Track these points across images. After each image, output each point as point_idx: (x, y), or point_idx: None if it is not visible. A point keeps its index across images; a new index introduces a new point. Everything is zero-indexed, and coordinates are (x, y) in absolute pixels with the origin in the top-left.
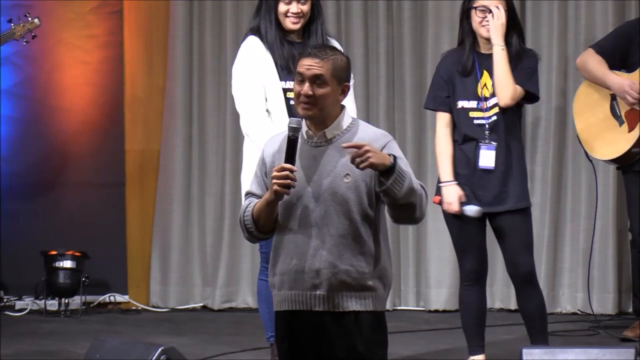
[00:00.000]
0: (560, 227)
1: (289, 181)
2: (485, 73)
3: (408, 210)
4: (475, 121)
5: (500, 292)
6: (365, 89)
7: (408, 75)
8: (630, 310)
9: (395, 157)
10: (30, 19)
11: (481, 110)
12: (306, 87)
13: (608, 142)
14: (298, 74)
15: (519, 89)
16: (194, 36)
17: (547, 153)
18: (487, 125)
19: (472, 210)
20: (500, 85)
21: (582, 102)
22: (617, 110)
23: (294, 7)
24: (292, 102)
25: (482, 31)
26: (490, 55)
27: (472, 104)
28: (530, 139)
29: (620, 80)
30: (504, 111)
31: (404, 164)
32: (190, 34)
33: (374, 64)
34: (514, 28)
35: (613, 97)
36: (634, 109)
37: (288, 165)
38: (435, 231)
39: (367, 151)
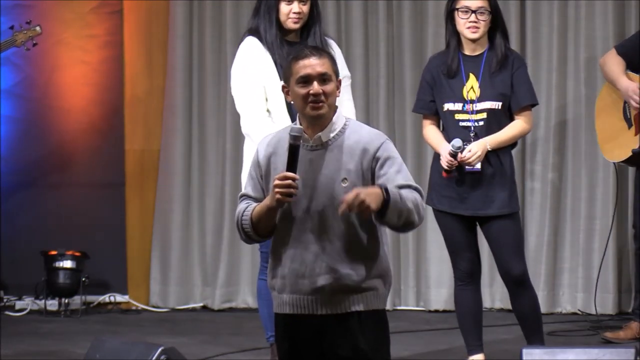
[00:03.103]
0: (560, 227)
1: (291, 190)
2: (472, 76)
3: (407, 226)
4: (461, 123)
5: (500, 292)
6: (365, 89)
7: (408, 75)
8: (631, 310)
9: (387, 189)
10: (31, 26)
11: (467, 112)
12: (316, 87)
13: (619, 144)
14: (301, 77)
15: (525, 127)
16: (194, 36)
17: (547, 153)
18: (472, 128)
19: (454, 145)
20: (517, 138)
21: (602, 103)
22: (628, 113)
23: (296, 7)
24: (292, 102)
25: (466, 32)
26: (475, 57)
27: (458, 106)
28: (530, 139)
29: (627, 83)
30: (492, 116)
31: (396, 170)
32: (190, 34)
33: (374, 64)
34: (498, 28)
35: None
36: None
37: (291, 175)
38: (435, 231)
39: (363, 200)
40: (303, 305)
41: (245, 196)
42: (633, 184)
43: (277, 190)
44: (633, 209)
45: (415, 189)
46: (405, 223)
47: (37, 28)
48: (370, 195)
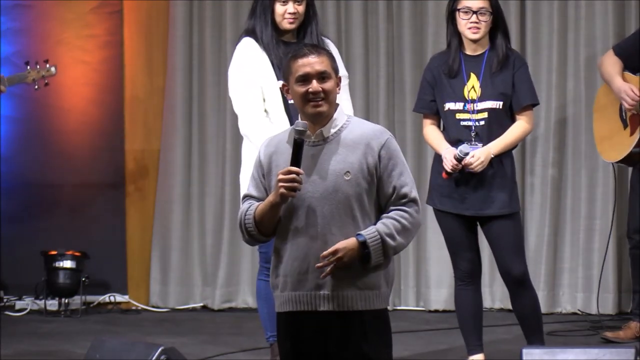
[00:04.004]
0: (560, 227)
1: (295, 184)
2: (473, 76)
3: (404, 248)
4: (462, 123)
5: (500, 292)
6: (365, 89)
7: (408, 75)
8: (630, 310)
9: (365, 241)
10: (48, 66)
11: (468, 112)
12: (315, 85)
13: (614, 144)
14: (300, 75)
15: (527, 127)
16: (194, 36)
17: (547, 153)
18: (473, 127)
19: (462, 151)
20: (521, 140)
21: (599, 104)
22: (623, 114)
23: (291, 8)
24: (290, 102)
25: (467, 33)
26: (476, 57)
27: (459, 105)
28: (530, 139)
29: (620, 84)
30: (493, 116)
31: (399, 173)
32: (190, 34)
33: (374, 64)
34: (499, 28)
35: None
36: (635, 113)
37: (295, 168)
38: (435, 231)
39: (339, 259)
40: (305, 301)
41: (248, 196)
42: (629, 184)
43: (281, 184)
44: (629, 210)
45: (412, 200)
46: (394, 254)
47: (53, 69)
48: (348, 252)
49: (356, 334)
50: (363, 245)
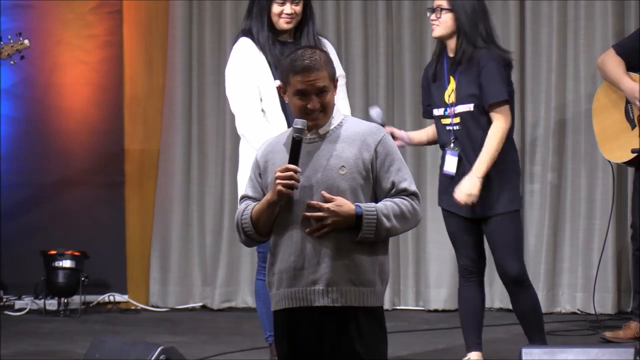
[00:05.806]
0: (560, 227)
1: (293, 182)
2: (452, 79)
3: (397, 234)
4: (447, 127)
5: (500, 292)
6: (365, 89)
7: (408, 75)
8: (630, 310)
9: (361, 212)
10: (21, 39)
11: (449, 117)
12: (315, 102)
13: (621, 145)
14: (299, 90)
15: (501, 127)
16: (194, 36)
17: (546, 153)
18: (452, 132)
19: (374, 113)
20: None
21: (600, 103)
22: (631, 114)
23: (288, 8)
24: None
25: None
26: (455, 60)
27: (441, 111)
28: (529, 139)
29: (632, 85)
30: (467, 119)
31: (397, 169)
32: (189, 34)
33: (374, 64)
34: (461, 28)
35: (627, 100)
36: None
37: (292, 166)
38: (435, 231)
39: (332, 212)
40: (300, 297)
41: (245, 197)
42: (632, 185)
43: (278, 182)
44: (632, 210)
45: (412, 194)
46: (386, 236)
47: (26, 41)
48: (339, 215)
49: (351, 332)
50: (358, 217)
